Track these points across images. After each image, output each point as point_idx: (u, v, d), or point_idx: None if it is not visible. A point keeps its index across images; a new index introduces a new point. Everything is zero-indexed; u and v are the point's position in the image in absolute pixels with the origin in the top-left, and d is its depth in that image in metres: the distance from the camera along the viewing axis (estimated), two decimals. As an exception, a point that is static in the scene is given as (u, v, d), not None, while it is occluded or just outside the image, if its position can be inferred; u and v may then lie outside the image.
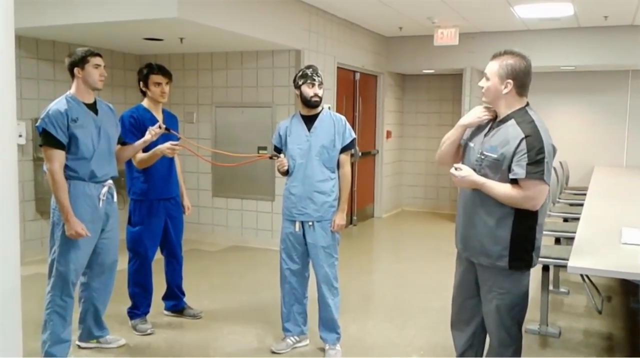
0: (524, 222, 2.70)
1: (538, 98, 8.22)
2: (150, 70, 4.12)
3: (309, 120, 3.79)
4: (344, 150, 3.81)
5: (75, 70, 3.47)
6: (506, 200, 2.66)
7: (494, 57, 2.78)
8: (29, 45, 5.97)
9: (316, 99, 3.73)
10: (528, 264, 2.76)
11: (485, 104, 2.85)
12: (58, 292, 3.45)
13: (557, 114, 8.76)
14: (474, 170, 2.75)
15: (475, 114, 2.88)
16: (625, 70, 8.58)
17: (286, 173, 3.82)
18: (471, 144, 2.88)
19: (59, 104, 3.42)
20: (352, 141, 3.83)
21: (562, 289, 5.15)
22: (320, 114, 3.80)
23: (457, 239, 2.99)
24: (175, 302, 4.45)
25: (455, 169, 2.77)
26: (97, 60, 3.49)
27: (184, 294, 4.48)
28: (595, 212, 4.30)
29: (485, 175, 2.72)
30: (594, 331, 4.36)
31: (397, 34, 8.59)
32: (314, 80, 3.71)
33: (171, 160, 4.19)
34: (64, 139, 3.36)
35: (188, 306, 4.47)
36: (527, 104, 2.78)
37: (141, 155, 3.96)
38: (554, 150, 2.71)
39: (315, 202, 3.73)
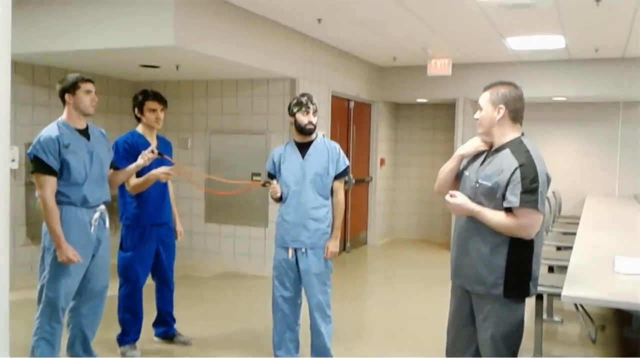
0: (519, 251, 2.70)
1: (530, 128, 8.27)
2: (145, 97, 4.14)
3: (303, 148, 3.81)
4: (337, 177, 3.82)
5: (66, 96, 3.47)
6: (501, 229, 2.67)
7: (486, 88, 2.84)
8: (25, 70, 6.00)
9: (310, 126, 3.76)
10: (524, 293, 2.75)
11: (481, 137, 2.88)
12: (46, 318, 3.40)
13: (550, 143, 8.82)
14: (470, 198, 2.77)
15: (472, 145, 2.91)
16: (616, 102, 8.69)
17: (279, 200, 3.82)
18: (466, 173, 2.90)
19: (50, 130, 3.41)
20: (346, 169, 3.85)
21: (555, 318, 5.12)
22: (315, 142, 3.82)
23: (452, 267, 2.98)
24: (166, 328, 4.40)
25: (451, 196, 2.78)
26: (88, 86, 3.49)
27: (174, 321, 4.43)
28: (588, 241, 4.31)
29: (480, 203, 2.73)
30: (588, 361, 4.33)
31: (391, 64, 8.69)
32: (309, 107, 3.74)
33: (165, 185, 4.19)
34: (55, 165, 3.35)
35: (178, 333, 4.42)
36: (523, 134, 2.81)
37: (135, 180, 3.95)
38: (549, 179, 2.72)
39: (309, 229, 3.72)
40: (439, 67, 7.75)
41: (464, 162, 2.97)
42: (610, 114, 8.79)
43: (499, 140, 2.79)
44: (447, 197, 2.80)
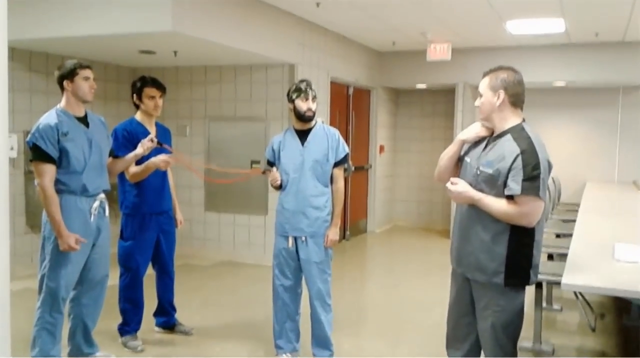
0: (520, 239, 2.69)
1: (530, 113, 8.24)
2: (144, 83, 4.10)
3: (303, 135, 3.79)
4: (337, 164, 3.80)
5: (65, 83, 3.44)
6: (502, 216, 2.66)
7: (485, 74, 2.82)
8: (22, 57, 5.95)
9: (310, 113, 3.73)
10: (524, 281, 2.75)
11: (482, 122, 2.86)
12: (47, 308, 3.40)
13: (549, 129, 8.79)
14: (471, 185, 2.75)
15: (474, 130, 2.89)
16: (616, 87, 8.65)
17: (279, 187, 3.81)
18: (467, 159, 2.88)
19: (49, 117, 3.39)
20: (346, 156, 3.83)
21: (555, 306, 5.14)
22: (314, 128, 3.80)
23: (453, 255, 2.98)
24: (167, 318, 4.40)
25: (452, 183, 2.77)
26: (86, 72, 3.46)
27: (175, 310, 4.43)
28: (587, 228, 4.30)
29: (481, 191, 2.71)
30: (588, 348, 4.34)
31: (391, 49, 8.64)
32: (308, 94, 3.71)
33: (164, 173, 4.17)
34: (54, 153, 3.33)
35: (179, 322, 4.42)
36: (524, 120, 2.79)
37: (134, 168, 3.93)
38: (550, 166, 2.71)
39: (309, 217, 3.71)
40: (439, 51, 7.70)
41: (465, 147, 2.95)
42: (610, 99, 8.75)
43: (500, 126, 2.77)
44: (449, 185, 2.78)
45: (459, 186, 2.74)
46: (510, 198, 2.63)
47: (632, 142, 8.59)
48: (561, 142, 8.80)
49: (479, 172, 2.74)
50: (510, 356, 2.82)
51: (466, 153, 2.93)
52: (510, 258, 2.69)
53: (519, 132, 2.70)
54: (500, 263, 2.70)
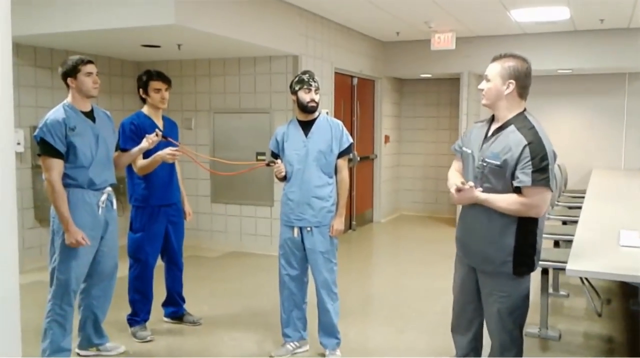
0: (527, 228, 2.71)
1: (535, 101, 8.22)
2: (149, 77, 4.12)
3: (306, 126, 3.79)
4: (341, 155, 3.81)
5: (68, 80, 3.46)
6: (511, 211, 2.65)
7: (495, 59, 2.78)
8: (27, 52, 5.98)
9: (313, 104, 3.73)
10: (530, 268, 2.77)
11: (484, 105, 2.85)
12: (58, 300, 3.44)
13: (555, 117, 8.77)
14: (475, 177, 2.75)
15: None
16: (622, 73, 8.61)
17: (284, 179, 3.82)
18: (468, 150, 2.88)
19: (56, 113, 3.41)
20: (349, 146, 3.83)
21: (561, 292, 5.15)
22: (317, 119, 3.81)
23: (458, 246, 2.99)
24: (175, 308, 4.44)
25: (458, 189, 2.75)
26: (88, 67, 3.47)
27: (184, 301, 4.47)
28: (593, 215, 4.30)
29: (487, 182, 2.71)
30: (594, 334, 4.36)
31: (395, 39, 8.61)
32: (311, 85, 3.71)
33: (172, 166, 4.20)
34: (62, 148, 3.35)
35: (188, 313, 4.47)
36: (525, 109, 2.78)
37: (142, 161, 3.96)
38: (555, 156, 2.71)
39: (314, 207, 3.72)
40: (443, 41, 7.68)
41: (462, 139, 2.97)
42: (616, 86, 8.70)
43: (503, 115, 2.76)
44: (453, 192, 2.78)
45: (464, 193, 2.73)
46: (517, 189, 2.63)
47: (639, 129, 8.55)
48: (567, 129, 8.78)
49: (485, 164, 2.73)
50: (516, 341, 2.84)
51: (464, 144, 2.93)
52: (517, 248, 2.71)
53: (522, 122, 2.70)
54: (508, 254, 2.71)
